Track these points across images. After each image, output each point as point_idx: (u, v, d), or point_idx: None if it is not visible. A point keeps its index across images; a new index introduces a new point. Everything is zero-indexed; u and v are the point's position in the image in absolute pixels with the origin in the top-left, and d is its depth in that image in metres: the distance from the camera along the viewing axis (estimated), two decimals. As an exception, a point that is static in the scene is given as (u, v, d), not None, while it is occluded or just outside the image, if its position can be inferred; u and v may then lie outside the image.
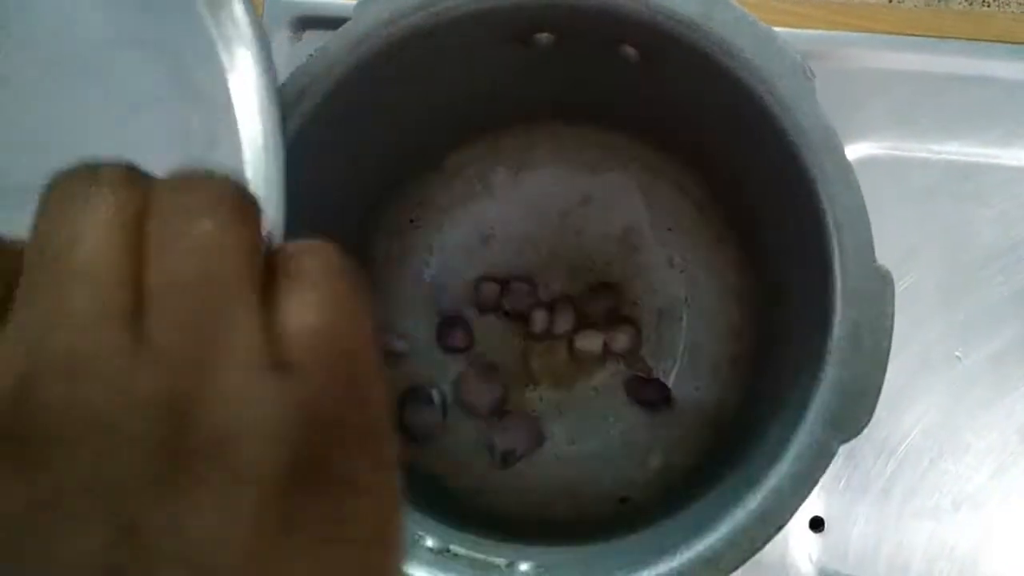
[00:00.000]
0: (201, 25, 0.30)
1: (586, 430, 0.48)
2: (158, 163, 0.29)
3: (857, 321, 0.32)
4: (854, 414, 0.32)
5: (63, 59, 0.30)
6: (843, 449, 0.47)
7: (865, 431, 0.46)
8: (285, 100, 0.36)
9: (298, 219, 0.39)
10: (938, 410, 0.48)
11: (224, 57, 0.30)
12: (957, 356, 0.48)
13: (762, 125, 0.35)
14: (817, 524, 0.46)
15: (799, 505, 0.32)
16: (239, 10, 0.30)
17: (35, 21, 0.30)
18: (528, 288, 0.48)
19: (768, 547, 0.46)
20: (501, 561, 0.36)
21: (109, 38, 0.30)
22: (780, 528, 0.32)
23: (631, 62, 0.39)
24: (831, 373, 0.32)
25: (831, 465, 0.46)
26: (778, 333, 0.43)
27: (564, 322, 0.48)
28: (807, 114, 0.34)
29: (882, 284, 0.32)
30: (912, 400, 0.48)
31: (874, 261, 0.33)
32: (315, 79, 0.36)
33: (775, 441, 0.33)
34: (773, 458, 0.32)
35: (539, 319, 0.47)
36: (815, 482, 0.32)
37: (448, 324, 0.48)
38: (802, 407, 0.32)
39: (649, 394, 0.47)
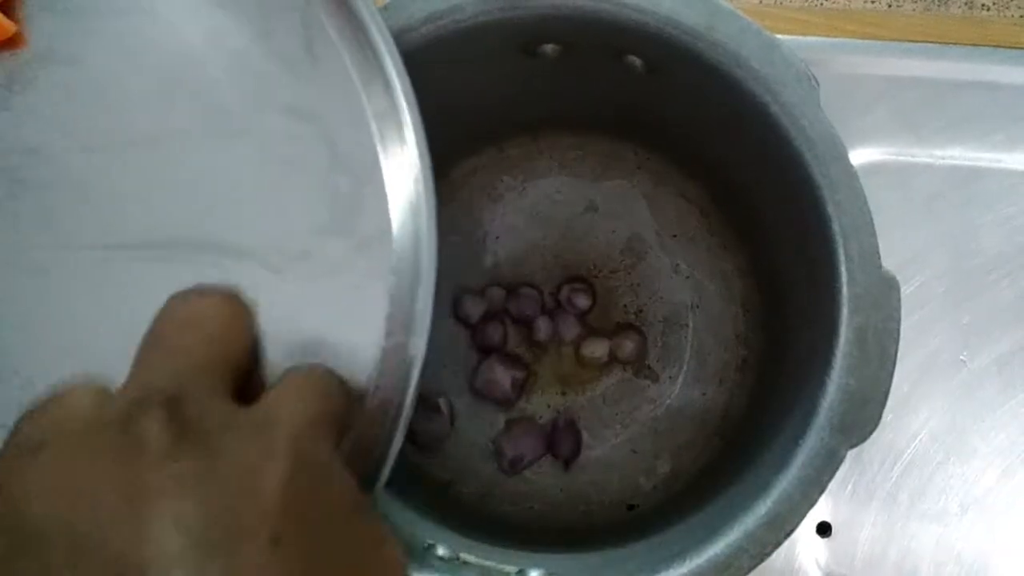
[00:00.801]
0: (354, 95, 0.31)
1: (593, 437, 0.48)
2: (303, 223, 0.30)
3: (864, 327, 0.33)
4: (862, 419, 0.32)
5: (215, 123, 0.31)
6: (850, 454, 0.47)
7: (872, 436, 0.46)
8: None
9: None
10: (944, 414, 0.48)
11: (374, 126, 0.31)
12: (963, 360, 0.48)
13: (767, 133, 0.35)
14: (824, 529, 0.46)
15: (808, 510, 0.32)
16: (394, 81, 0.31)
17: (189, 81, 0.31)
18: (536, 294, 0.48)
19: (776, 552, 0.46)
20: (511, 568, 0.36)
21: (262, 102, 0.31)
22: (789, 534, 0.32)
23: (636, 72, 0.39)
24: (838, 379, 0.32)
25: (839, 470, 0.46)
26: (784, 339, 0.43)
27: (570, 329, 0.48)
28: (812, 122, 0.34)
29: (888, 289, 0.33)
30: (918, 404, 0.48)
31: (880, 267, 0.33)
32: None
33: (783, 447, 0.33)
34: (781, 464, 0.33)
35: (544, 326, 0.48)
36: (823, 487, 0.32)
37: (486, 318, 0.49)
38: (810, 413, 0.33)
39: (564, 449, 0.48)
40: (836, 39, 0.52)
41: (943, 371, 0.48)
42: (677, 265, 0.48)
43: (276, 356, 0.29)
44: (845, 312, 0.33)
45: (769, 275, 0.46)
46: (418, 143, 0.31)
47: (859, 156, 0.49)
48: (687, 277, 0.48)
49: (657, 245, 0.49)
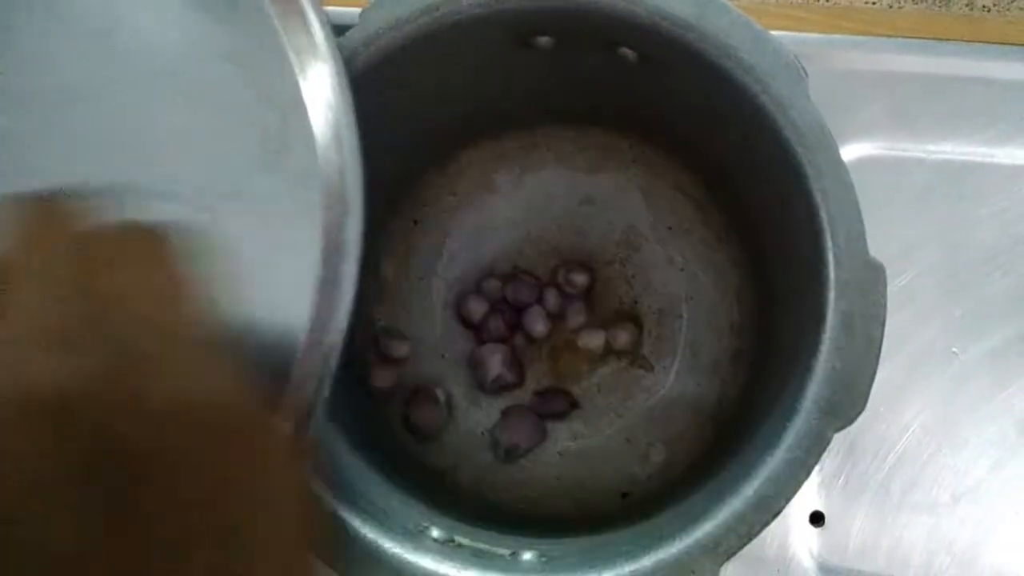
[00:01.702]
0: (273, 35, 0.32)
1: (588, 427, 0.48)
2: (237, 164, 0.31)
3: (850, 311, 0.33)
4: (848, 402, 0.33)
5: (143, 71, 0.32)
6: (842, 445, 0.48)
7: (864, 427, 0.47)
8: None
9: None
10: (936, 406, 0.48)
11: (295, 63, 0.32)
12: (954, 352, 0.49)
13: (757, 123, 0.36)
14: (817, 519, 0.47)
15: (795, 491, 0.33)
16: (311, 19, 0.32)
17: (116, 34, 0.32)
18: (533, 281, 0.49)
19: (769, 541, 0.47)
20: (504, 551, 0.36)
21: (185, 50, 0.32)
22: (777, 514, 0.33)
23: (630, 63, 0.40)
24: (825, 362, 0.33)
25: (831, 460, 0.47)
26: (776, 328, 0.44)
27: (569, 319, 0.49)
28: (800, 111, 0.35)
29: (874, 275, 0.33)
30: (910, 396, 0.48)
31: (866, 253, 0.34)
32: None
33: (771, 429, 0.34)
34: (769, 446, 0.33)
35: (541, 313, 0.48)
36: (810, 469, 0.33)
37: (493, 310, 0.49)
38: (797, 395, 0.33)
39: (555, 405, 0.48)
40: (830, 35, 0.53)
41: (935, 363, 0.49)
42: (672, 257, 0.49)
43: (212, 295, 0.30)
44: (832, 297, 0.33)
45: (761, 265, 0.46)
46: (337, 74, 0.32)
47: (852, 150, 0.50)
48: (681, 269, 0.49)
49: (652, 237, 0.49)
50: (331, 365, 0.31)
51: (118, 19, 0.32)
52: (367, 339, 0.49)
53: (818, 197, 0.34)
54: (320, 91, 0.32)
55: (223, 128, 0.32)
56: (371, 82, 0.38)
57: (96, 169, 0.31)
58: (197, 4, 0.32)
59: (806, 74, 0.35)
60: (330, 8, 0.53)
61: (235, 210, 0.31)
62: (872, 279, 0.33)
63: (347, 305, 0.31)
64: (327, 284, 0.31)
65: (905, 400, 0.48)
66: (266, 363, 0.31)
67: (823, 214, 0.34)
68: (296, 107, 0.32)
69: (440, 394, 0.48)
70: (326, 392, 0.31)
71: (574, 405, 0.48)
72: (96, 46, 0.32)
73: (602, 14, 0.36)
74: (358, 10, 0.38)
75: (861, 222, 0.34)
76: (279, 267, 0.31)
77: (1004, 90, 0.51)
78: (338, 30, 0.43)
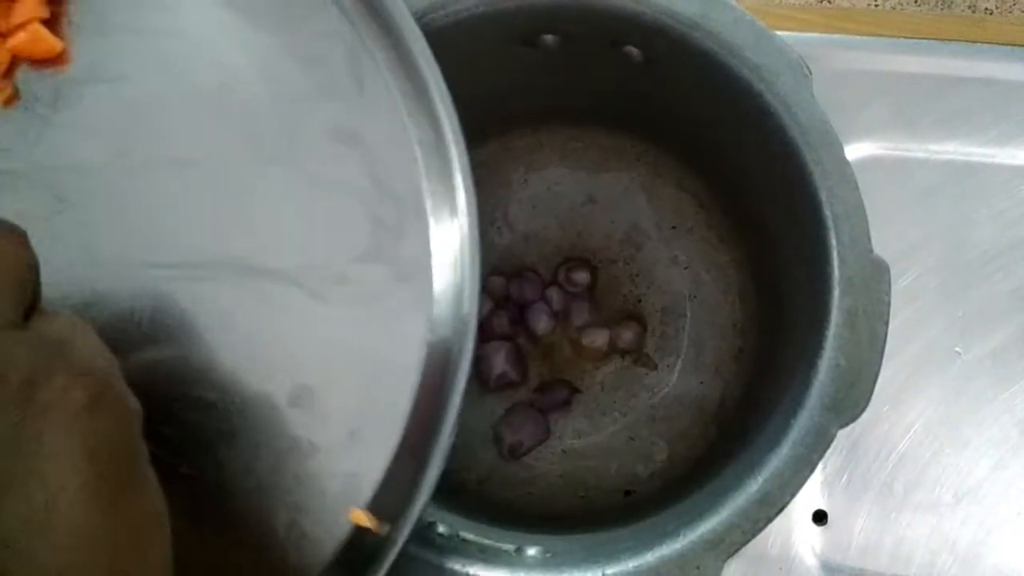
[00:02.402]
0: (398, 122, 0.31)
1: (592, 425, 0.48)
2: (348, 249, 0.30)
3: (854, 309, 0.33)
4: (852, 398, 0.33)
5: (259, 142, 0.31)
6: (845, 444, 0.48)
7: (866, 426, 0.47)
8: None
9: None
10: (939, 405, 0.48)
11: (419, 155, 0.31)
12: (957, 352, 0.49)
13: (761, 122, 0.36)
14: (820, 517, 0.47)
15: (799, 488, 0.33)
16: (440, 112, 0.31)
17: (239, 103, 0.31)
18: (537, 278, 0.49)
19: (772, 540, 0.47)
20: (509, 546, 0.36)
21: (305, 125, 0.31)
22: (780, 510, 0.33)
23: (634, 63, 0.40)
24: (829, 359, 0.33)
25: (834, 460, 0.47)
26: (780, 327, 0.44)
27: (576, 313, 0.49)
28: (805, 110, 0.35)
29: (878, 272, 0.33)
30: (913, 396, 0.48)
31: (871, 251, 0.34)
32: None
33: (775, 426, 0.34)
34: (773, 443, 0.33)
35: (545, 310, 0.48)
36: (814, 465, 0.33)
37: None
38: (801, 392, 0.33)
39: (556, 395, 0.48)
40: (833, 35, 0.53)
41: (937, 363, 0.49)
42: (675, 256, 0.49)
43: (317, 379, 0.30)
44: (836, 294, 0.33)
45: (765, 264, 0.46)
46: (463, 176, 0.31)
47: (855, 150, 0.50)
48: (685, 268, 0.49)
49: (656, 236, 0.49)
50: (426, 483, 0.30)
51: (235, 86, 0.31)
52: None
53: (823, 195, 0.34)
54: (442, 181, 0.31)
55: (335, 210, 0.31)
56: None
57: (204, 241, 0.31)
58: (321, 81, 0.31)
59: (809, 72, 0.36)
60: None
61: (342, 298, 0.30)
62: (876, 276, 0.33)
63: (455, 404, 0.30)
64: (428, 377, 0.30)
65: (908, 400, 0.48)
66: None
67: (828, 212, 0.34)
68: (415, 202, 0.31)
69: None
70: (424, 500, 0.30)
71: (575, 391, 0.48)
72: (209, 113, 0.31)
73: (608, 13, 0.36)
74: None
75: (865, 220, 0.34)
76: (382, 359, 0.30)
77: (1006, 91, 0.51)
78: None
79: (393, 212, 0.31)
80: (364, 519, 0.29)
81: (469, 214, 0.31)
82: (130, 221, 0.31)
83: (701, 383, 0.48)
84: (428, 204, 0.31)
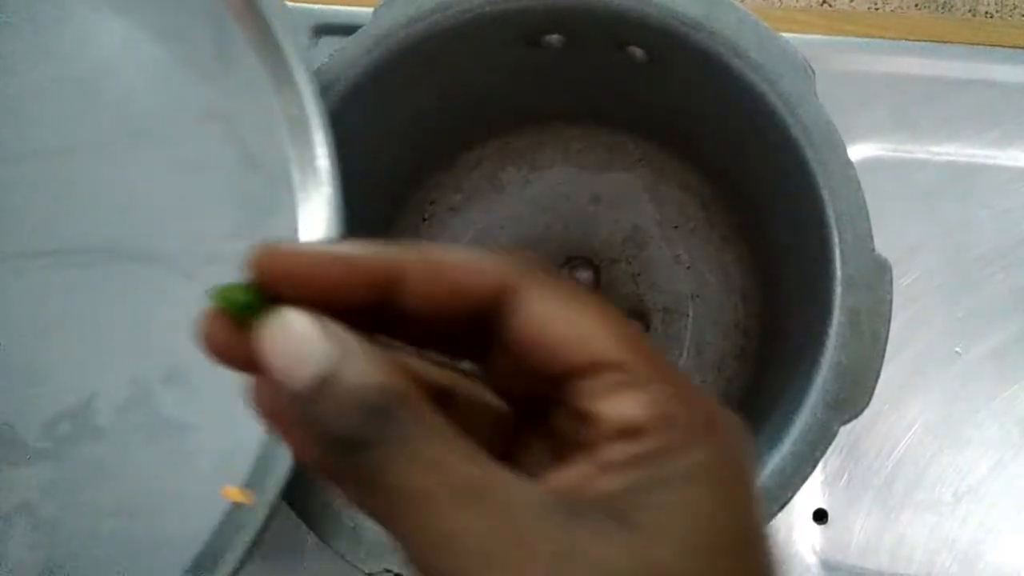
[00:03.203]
0: (265, 98, 0.32)
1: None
2: (217, 224, 0.31)
3: (856, 307, 0.34)
4: (854, 396, 0.33)
5: (127, 123, 0.32)
6: (846, 443, 0.48)
7: (867, 426, 0.47)
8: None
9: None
10: (939, 405, 0.49)
11: (286, 129, 0.32)
12: (957, 352, 0.49)
13: (764, 121, 0.36)
14: (821, 516, 0.47)
15: (801, 484, 0.33)
16: (304, 87, 0.32)
17: (108, 87, 0.32)
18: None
19: (772, 538, 0.47)
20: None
21: (175, 108, 0.32)
22: (783, 507, 0.33)
23: (638, 62, 0.40)
24: (831, 357, 0.33)
25: (834, 459, 0.47)
26: (782, 325, 0.44)
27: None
28: (808, 110, 0.35)
29: (880, 271, 0.34)
30: (913, 395, 0.49)
31: (873, 250, 0.34)
32: (334, 78, 0.37)
33: (778, 423, 0.34)
34: (775, 440, 0.34)
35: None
36: (816, 462, 0.33)
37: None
38: (804, 390, 0.34)
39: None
40: (835, 37, 0.53)
41: (938, 363, 0.49)
42: (678, 255, 0.49)
43: (189, 358, 0.30)
44: (838, 293, 0.34)
45: (767, 263, 0.47)
46: (326, 146, 0.32)
47: (858, 152, 0.50)
48: (688, 267, 0.49)
49: (658, 236, 0.50)
50: None
51: (107, 74, 0.31)
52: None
53: (825, 194, 0.34)
54: (307, 155, 0.32)
55: (206, 189, 0.32)
56: (381, 79, 0.38)
57: (79, 228, 0.31)
58: (190, 63, 0.32)
59: (813, 72, 0.36)
60: (343, 7, 0.54)
61: (214, 276, 0.31)
62: (878, 275, 0.34)
63: None
64: None
65: (908, 399, 0.49)
66: None
67: (830, 211, 0.34)
68: (284, 176, 0.32)
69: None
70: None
71: None
72: (82, 102, 0.32)
73: (612, 13, 0.37)
74: (370, 9, 0.38)
75: (867, 219, 0.34)
76: None
77: (1007, 93, 0.52)
78: (346, 31, 0.44)
79: (262, 187, 0.32)
80: (237, 495, 0.30)
81: (333, 184, 0.31)
82: (4, 212, 0.31)
83: (703, 382, 0.48)
84: (296, 177, 0.32)
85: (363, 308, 0.18)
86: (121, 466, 0.31)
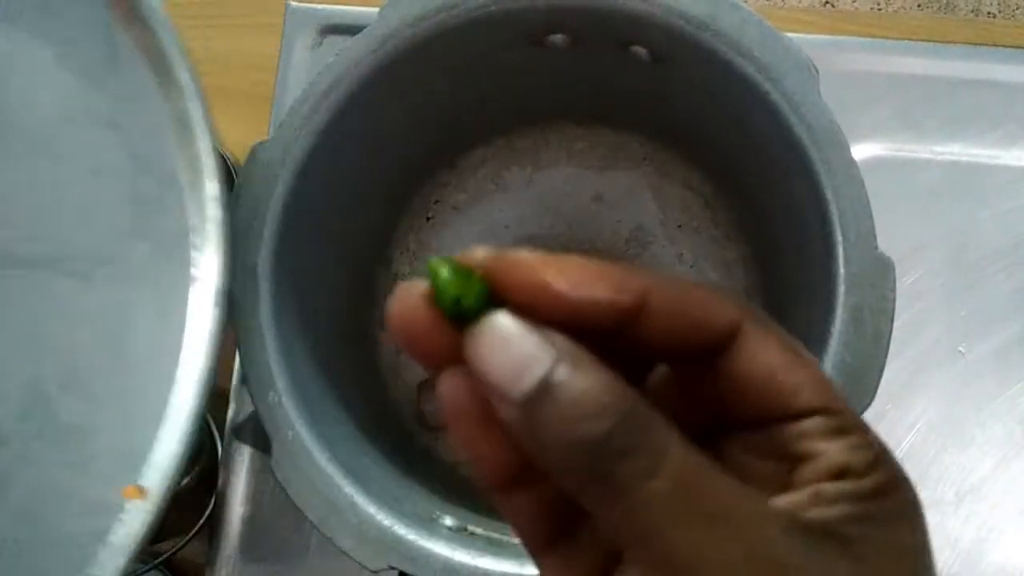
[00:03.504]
0: (154, 102, 0.32)
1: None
2: (111, 226, 0.31)
3: (859, 305, 0.34)
4: (857, 394, 0.33)
5: (16, 132, 0.32)
6: (849, 442, 0.48)
7: (871, 425, 0.47)
8: (311, 95, 0.38)
9: (323, 217, 0.40)
10: (941, 404, 0.49)
11: (172, 132, 0.32)
12: (960, 351, 0.49)
13: (768, 121, 0.37)
14: (824, 515, 0.47)
15: (804, 482, 0.33)
16: (186, 81, 0.32)
17: (9, 101, 0.32)
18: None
19: None
20: (517, 540, 0.37)
21: (64, 115, 0.32)
22: (786, 504, 0.33)
23: (642, 62, 0.41)
24: (834, 354, 0.33)
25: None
26: (785, 326, 0.44)
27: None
28: (812, 109, 0.35)
29: (883, 269, 0.34)
30: (916, 394, 0.49)
31: (876, 248, 0.34)
32: (339, 77, 0.38)
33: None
34: (779, 437, 0.34)
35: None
36: (819, 460, 0.33)
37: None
38: (807, 388, 0.34)
39: None
40: (838, 37, 0.53)
41: (941, 362, 0.49)
42: (681, 255, 0.50)
43: (86, 361, 0.30)
44: (841, 291, 0.34)
45: (770, 262, 0.47)
46: (209, 146, 0.32)
47: (861, 151, 0.51)
48: (691, 266, 0.49)
49: (662, 235, 0.50)
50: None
51: None
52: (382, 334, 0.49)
53: (829, 193, 0.35)
54: (192, 153, 0.32)
55: (98, 193, 0.32)
56: (386, 79, 0.39)
57: None
58: (78, 70, 0.32)
59: (816, 71, 0.36)
60: (348, 7, 0.55)
61: (109, 276, 0.31)
62: (881, 274, 0.34)
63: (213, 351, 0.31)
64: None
65: (911, 398, 0.49)
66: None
67: (834, 209, 0.34)
68: (171, 175, 0.32)
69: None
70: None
71: None
72: None
73: (617, 13, 0.37)
74: (376, 10, 0.38)
75: (871, 217, 0.34)
76: (151, 334, 0.31)
77: (1010, 93, 0.52)
78: (350, 31, 0.44)
79: (152, 188, 0.32)
80: (137, 494, 0.30)
81: (217, 179, 0.32)
82: None
83: (706, 381, 0.48)
84: (183, 177, 0.32)
85: (591, 328, 0.18)
86: (21, 472, 0.31)
